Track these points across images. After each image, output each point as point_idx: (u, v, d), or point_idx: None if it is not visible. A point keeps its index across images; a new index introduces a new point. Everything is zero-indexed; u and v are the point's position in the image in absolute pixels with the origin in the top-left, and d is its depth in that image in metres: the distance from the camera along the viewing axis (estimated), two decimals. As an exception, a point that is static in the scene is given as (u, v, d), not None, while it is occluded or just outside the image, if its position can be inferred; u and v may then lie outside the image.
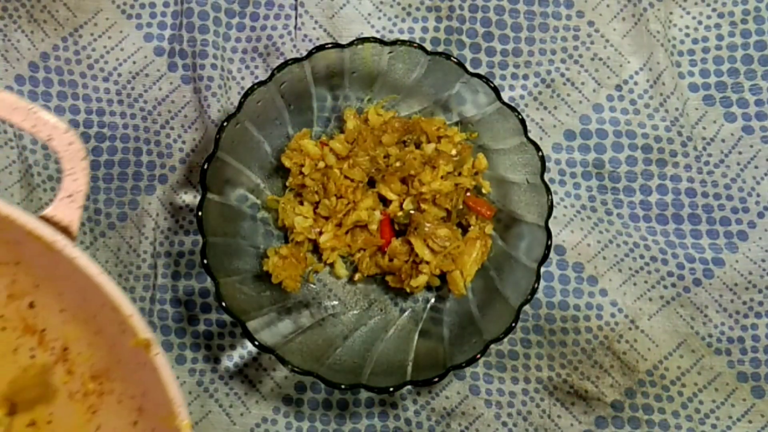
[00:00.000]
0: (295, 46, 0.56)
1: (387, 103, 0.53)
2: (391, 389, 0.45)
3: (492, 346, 0.47)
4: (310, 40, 0.56)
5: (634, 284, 0.54)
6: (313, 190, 0.51)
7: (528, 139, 0.47)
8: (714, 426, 0.53)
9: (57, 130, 0.36)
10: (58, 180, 0.55)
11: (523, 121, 0.47)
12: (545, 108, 0.56)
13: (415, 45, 0.48)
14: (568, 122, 0.56)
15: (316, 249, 0.53)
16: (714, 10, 0.57)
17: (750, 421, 0.53)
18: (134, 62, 0.56)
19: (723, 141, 0.55)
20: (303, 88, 0.50)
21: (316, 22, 0.56)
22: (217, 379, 0.54)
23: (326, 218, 0.51)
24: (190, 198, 0.55)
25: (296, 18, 0.56)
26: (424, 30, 0.56)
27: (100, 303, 0.36)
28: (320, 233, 0.51)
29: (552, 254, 0.54)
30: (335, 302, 0.53)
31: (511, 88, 0.56)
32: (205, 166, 0.46)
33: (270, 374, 0.54)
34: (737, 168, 0.55)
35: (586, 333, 0.53)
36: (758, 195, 0.55)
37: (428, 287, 0.53)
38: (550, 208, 0.47)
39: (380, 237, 0.51)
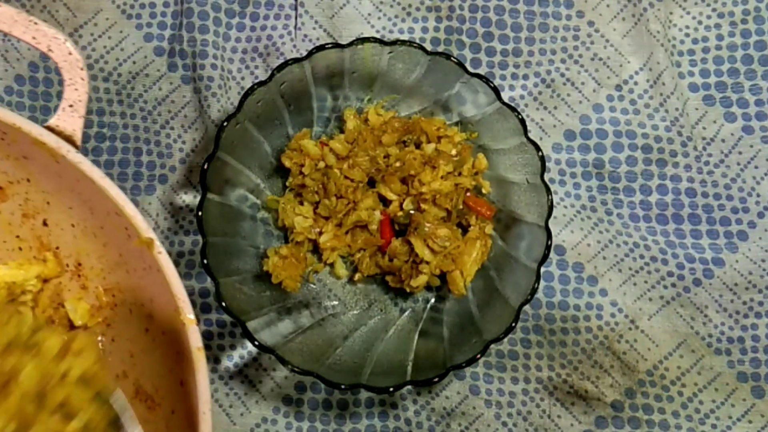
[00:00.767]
0: (295, 46, 0.56)
1: (387, 103, 0.53)
2: (391, 389, 0.45)
3: (492, 346, 0.47)
4: (310, 40, 0.56)
5: (634, 284, 0.54)
6: (313, 190, 0.51)
7: (528, 139, 0.47)
8: (714, 426, 0.53)
9: (56, 40, 0.37)
10: (58, 180, 0.55)
11: (523, 121, 0.47)
12: (545, 108, 0.56)
13: (415, 45, 0.48)
14: (568, 122, 0.56)
15: (316, 249, 0.53)
16: (714, 10, 0.57)
17: (750, 421, 0.53)
18: (134, 62, 0.56)
19: (723, 141, 0.55)
20: (303, 88, 0.50)
21: (316, 22, 0.56)
22: (217, 379, 0.53)
23: (326, 218, 0.51)
24: (190, 198, 0.55)
25: (296, 18, 0.56)
26: (424, 30, 0.56)
27: (105, 211, 0.36)
28: (320, 233, 0.51)
29: (552, 254, 0.54)
30: (335, 302, 0.53)
31: (511, 88, 0.56)
32: (205, 166, 0.46)
33: (270, 374, 0.54)
34: (737, 168, 0.55)
35: (586, 333, 0.53)
36: (758, 195, 0.55)
37: (428, 287, 0.53)
38: (550, 208, 0.47)
39: (380, 237, 0.51)
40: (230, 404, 0.53)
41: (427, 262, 0.49)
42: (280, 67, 0.47)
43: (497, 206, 0.52)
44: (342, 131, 0.53)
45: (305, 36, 0.56)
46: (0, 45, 0.56)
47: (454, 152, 0.51)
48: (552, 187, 0.51)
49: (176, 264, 0.54)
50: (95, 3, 0.56)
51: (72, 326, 0.43)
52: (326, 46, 0.47)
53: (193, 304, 0.53)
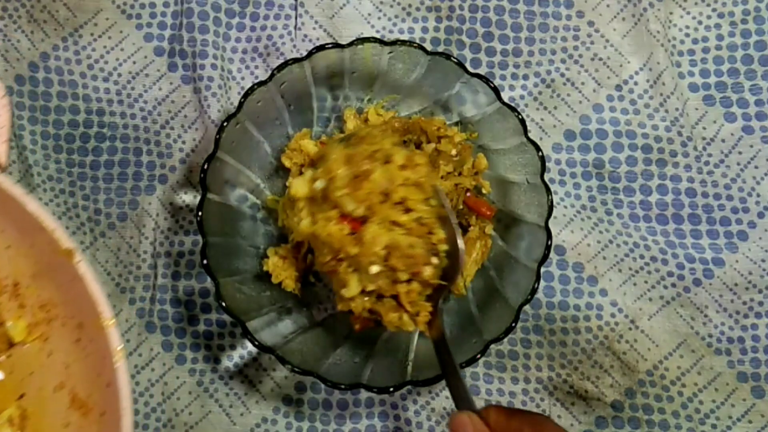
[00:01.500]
0: (295, 46, 0.56)
1: (387, 103, 0.53)
2: (391, 389, 0.45)
3: (492, 346, 0.47)
4: (310, 40, 0.56)
5: (634, 284, 0.54)
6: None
7: (528, 139, 0.47)
8: (714, 426, 0.53)
9: None
10: (58, 180, 0.55)
11: (523, 121, 0.47)
12: (545, 108, 0.56)
13: (415, 45, 0.48)
14: (568, 122, 0.56)
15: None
16: (714, 10, 0.57)
17: (750, 421, 0.53)
18: (134, 62, 0.56)
19: (723, 141, 0.55)
20: (303, 88, 0.50)
21: (316, 22, 0.56)
22: (217, 379, 0.54)
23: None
24: (190, 198, 0.55)
25: (296, 18, 0.56)
26: (424, 30, 0.56)
27: (31, 228, 0.39)
28: None
29: (552, 254, 0.54)
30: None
31: (511, 88, 0.56)
32: (205, 166, 0.46)
33: (270, 374, 0.54)
34: (737, 168, 0.55)
35: (586, 333, 0.53)
36: (758, 195, 0.55)
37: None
38: (550, 208, 0.47)
39: None
40: (230, 404, 0.53)
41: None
42: (280, 67, 0.47)
43: (497, 206, 0.52)
44: (342, 131, 0.53)
45: (305, 36, 0.56)
46: (0, 45, 0.56)
47: (454, 152, 0.51)
48: (552, 187, 0.51)
49: (176, 264, 0.54)
50: (95, 3, 0.56)
51: (11, 344, 0.44)
52: (326, 46, 0.47)
53: (193, 304, 0.54)
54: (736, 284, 0.54)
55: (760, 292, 0.54)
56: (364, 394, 0.53)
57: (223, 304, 0.45)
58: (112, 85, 0.56)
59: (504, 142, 0.50)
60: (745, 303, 0.54)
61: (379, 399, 0.53)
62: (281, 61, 0.53)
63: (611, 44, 0.56)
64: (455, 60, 0.47)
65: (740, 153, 0.55)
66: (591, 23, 0.56)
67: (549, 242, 0.47)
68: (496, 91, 0.48)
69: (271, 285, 0.50)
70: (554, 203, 0.48)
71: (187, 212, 0.55)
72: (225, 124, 0.47)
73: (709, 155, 0.55)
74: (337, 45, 0.47)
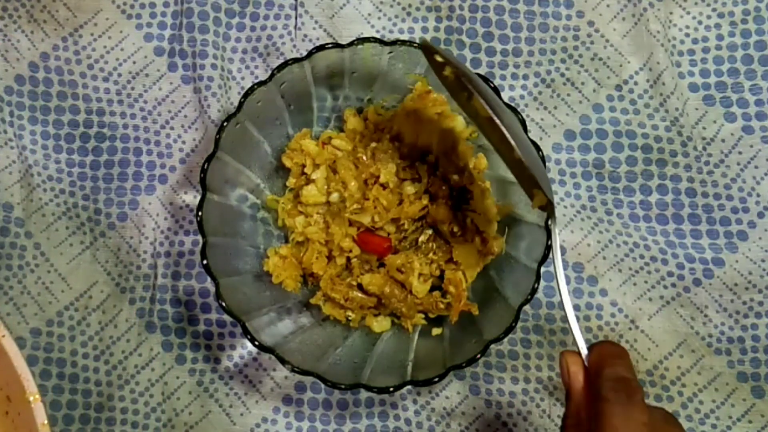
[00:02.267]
0: (295, 46, 0.56)
1: (387, 103, 0.53)
2: (391, 389, 0.45)
3: (492, 346, 0.47)
4: (310, 40, 0.56)
5: (634, 284, 0.54)
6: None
7: (528, 139, 0.47)
8: (714, 426, 0.53)
9: None
10: (58, 180, 0.55)
11: (523, 121, 0.47)
12: (545, 108, 0.56)
13: (415, 45, 0.48)
14: (568, 122, 0.56)
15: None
16: (714, 10, 0.57)
17: (750, 421, 0.53)
18: (134, 62, 0.56)
19: (723, 141, 0.55)
20: (303, 88, 0.50)
21: (316, 22, 0.56)
22: (217, 379, 0.54)
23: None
24: (190, 198, 0.55)
25: (296, 18, 0.56)
26: (424, 30, 0.56)
27: None
28: None
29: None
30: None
31: (511, 88, 0.56)
32: (205, 166, 0.46)
33: (270, 374, 0.54)
34: (737, 168, 0.55)
35: (586, 333, 0.53)
36: (758, 195, 0.55)
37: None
38: (550, 208, 0.47)
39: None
40: (230, 404, 0.53)
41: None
42: (280, 67, 0.47)
43: (498, 206, 0.52)
44: (342, 131, 0.53)
45: (305, 36, 0.56)
46: (0, 45, 0.56)
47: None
48: (552, 187, 0.51)
49: (176, 264, 0.54)
50: (95, 3, 0.56)
51: None
52: (326, 46, 0.47)
53: (193, 304, 0.54)
54: (736, 284, 0.54)
55: (760, 292, 0.54)
56: (364, 394, 0.53)
57: (223, 304, 0.45)
58: (112, 85, 0.56)
59: (504, 142, 0.50)
60: (745, 303, 0.54)
61: (379, 399, 0.53)
62: (281, 61, 0.53)
63: (611, 44, 0.56)
64: (455, 60, 0.47)
65: (740, 153, 0.55)
66: (591, 23, 0.56)
67: (549, 242, 0.47)
68: (496, 91, 0.48)
69: (271, 285, 0.50)
70: (554, 203, 0.48)
71: (187, 212, 0.55)
72: (225, 124, 0.47)
73: (709, 155, 0.55)
74: (337, 45, 0.47)
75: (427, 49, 0.42)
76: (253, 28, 0.56)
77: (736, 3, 0.56)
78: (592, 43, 0.56)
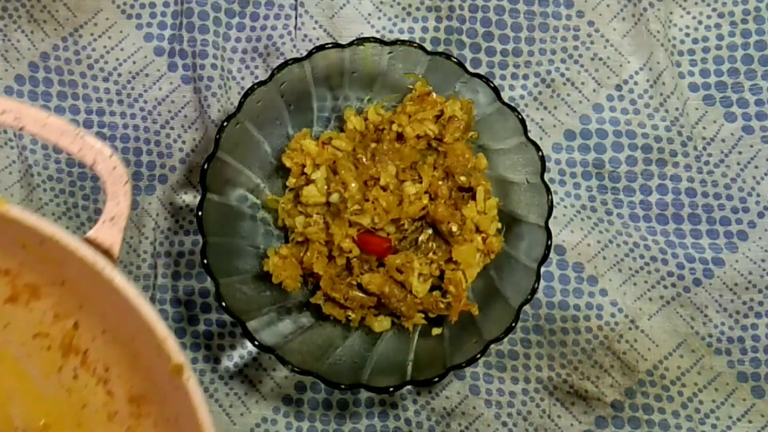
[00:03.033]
0: (295, 46, 0.56)
1: (387, 103, 0.53)
2: (391, 389, 0.45)
3: (492, 346, 0.47)
4: (310, 40, 0.56)
5: (634, 284, 0.54)
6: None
7: (528, 139, 0.47)
8: (714, 426, 0.53)
9: (102, 155, 0.38)
10: (58, 180, 0.55)
11: (523, 121, 0.47)
12: (545, 108, 0.56)
13: (415, 45, 0.48)
14: (568, 122, 0.56)
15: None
16: (714, 9, 0.57)
17: (750, 421, 0.53)
18: (134, 62, 0.56)
19: (723, 141, 0.55)
20: (303, 88, 0.50)
21: (316, 22, 0.56)
22: (217, 379, 0.54)
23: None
24: (190, 198, 0.55)
25: (296, 18, 0.56)
26: (424, 30, 0.56)
27: (137, 326, 0.36)
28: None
29: (552, 254, 0.54)
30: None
31: (511, 88, 0.56)
32: (205, 166, 0.46)
33: (270, 374, 0.54)
34: (737, 168, 0.55)
35: (586, 333, 0.53)
36: (758, 195, 0.55)
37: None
38: (550, 208, 0.47)
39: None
40: (230, 404, 0.53)
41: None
42: (280, 67, 0.47)
43: (498, 206, 0.52)
44: (342, 131, 0.53)
45: (305, 36, 0.56)
46: (0, 45, 0.56)
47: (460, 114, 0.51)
48: (552, 187, 0.51)
49: (176, 264, 0.54)
50: (95, 3, 0.56)
51: None
52: (326, 46, 0.47)
53: (193, 304, 0.54)
54: (736, 284, 0.54)
55: (760, 292, 0.54)
56: (364, 394, 0.53)
57: (223, 304, 0.45)
58: (112, 85, 0.56)
59: (504, 142, 0.50)
60: (745, 303, 0.54)
61: (379, 399, 0.53)
62: (281, 61, 0.53)
63: (611, 44, 0.56)
64: (455, 60, 0.47)
65: (740, 153, 0.55)
66: (591, 23, 0.56)
67: (549, 242, 0.47)
68: (496, 91, 0.48)
69: (271, 285, 0.50)
70: (554, 203, 0.48)
71: (187, 212, 0.55)
72: (225, 124, 0.47)
73: (709, 155, 0.55)
74: (337, 45, 0.47)
75: None
76: (253, 28, 0.56)
77: (736, 3, 0.56)
78: (592, 43, 0.56)
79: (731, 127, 0.56)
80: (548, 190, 0.47)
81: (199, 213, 0.46)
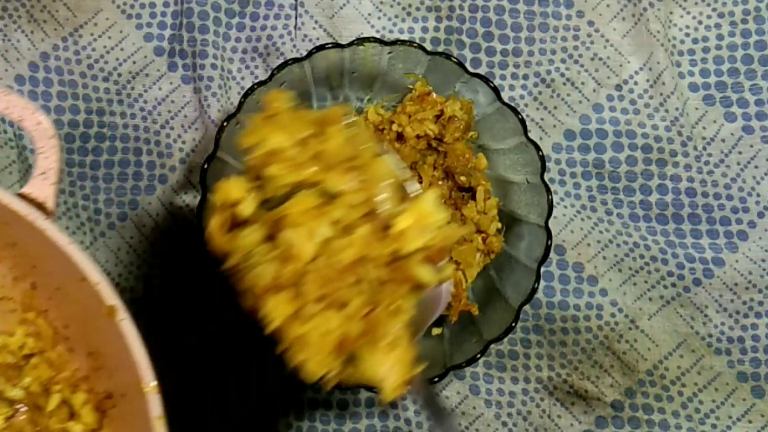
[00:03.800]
0: (295, 46, 0.56)
1: (387, 103, 0.53)
2: (391, 389, 0.45)
3: (492, 346, 0.47)
4: (310, 40, 0.56)
5: (634, 284, 0.54)
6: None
7: (528, 139, 0.47)
8: (714, 426, 0.53)
9: (26, 110, 0.39)
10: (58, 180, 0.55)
11: (523, 121, 0.47)
12: (545, 108, 0.56)
13: (415, 45, 0.48)
14: (568, 122, 0.56)
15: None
16: (714, 9, 0.57)
17: (750, 421, 0.53)
18: (134, 62, 0.56)
19: (723, 141, 0.55)
20: (303, 88, 0.50)
21: (316, 22, 0.56)
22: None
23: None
24: (190, 198, 0.55)
25: (296, 18, 0.56)
26: (424, 30, 0.56)
27: (75, 274, 0.38)
28: None
29: (552, 254, 0.54)
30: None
31: (511, 88, 0.56)
32: (205, 166, 0.46)
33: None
34: (737, 168, 0.55)
35: (586, 333, 0.53)
36: (758, 195, 0.55)
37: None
38: (550, 208, 0.47)
39: None
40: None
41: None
42: (280, 67, 0.47)
43: (498, 206, 0.52)
44: (342, 131, 0.53)
45: (305, 36, 0.56)
46: (0, 45, 0.56)
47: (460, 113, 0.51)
48: (552, 187, 0.51)
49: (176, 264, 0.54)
50: (95, 3, 0.56)
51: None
52: (326, 46, 0.47)
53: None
54: (736, 284, 0.54)
55: (760, 292, 0.54)
56: (364, 394, 0.53)
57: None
58: (112, 85, 0.56)
59: (504, 142, 0.50)
60: (745, 303, 0.54)
61: (379, 399, 0.53)
62: (281, 61, 0.53)
63: (611, 44, 0.56)
64: (455, 60, 0.47)
65: (740, 153, 0.55)
66: (591, 23, 0.56)
67: (549, 242, 0.47)
68: (496, 90, 0.48)
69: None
70: (554, 203, 0.48)
71: (187, 212, 0.55)
72: (225, 124, 0.47)
73: (709, 155, 0.55)
74: (337, 45, 0.47)
75: None
76: (253, 28, 0.56)
77: (736, 3, 0.56)
78: (592, 43, 0.56)
79: (731, 127, 0.56)
80: (548, 190, 0.47)
81: (199, 213, 0.46)
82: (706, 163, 0.55)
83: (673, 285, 0.54)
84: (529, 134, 0.48)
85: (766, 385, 0.53)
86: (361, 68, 0.50)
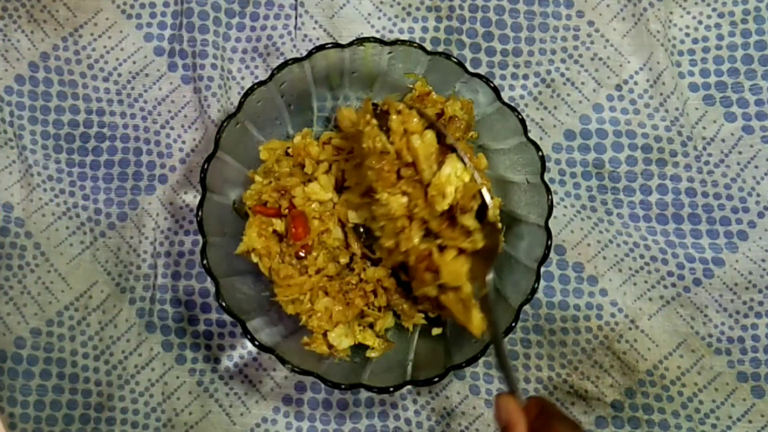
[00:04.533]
0: (295, 46, 0.56)
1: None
2: (391, 389, 0.45)
3: (492, 346, 0.47)
4: (310, 40, 0.56)
5: (634, 284, 0.54)
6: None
7: (528, 138, 0.47)
8: (714, 426, 0.53)
9: None
10: (58, 180, 0.55)
11: (523, 121, 0.47)
12: (545, 108, 0.56)
13: (415, 45, 0.48)
14: (568, 122, 0.56)
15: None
16: (714, 9, 0.57)
17: (750, 421, 0.53)
18: (134, 62, 0.56)
19: (723, 141, 0.55)
20: (303, 88, 0.50)
21: (316, 22, 0.56)
22: (217, 379, 0.54)
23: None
24: (190, 198, 0.55)
25: (296, 18, 0.56)
26: (424, 30, 0.56)
27: None
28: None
29: (552, 254, 0.54)
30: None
31: (511, 88, 0.56)
32: (205, 166, 0.46)
33: (270, 374, 0.54)
34: (737, 168, 0.55)
35: (586, 333, 0.53)
36: (758, 195, 0.55)
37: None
38: (550, 208, 0.47)
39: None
40: (230, 404, 0.53)
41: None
42: (280, 67, 0.47)
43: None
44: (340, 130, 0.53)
45: (305, 36, 0.56)
46: (0, 45, 0.56)
47: (461, 113, 0.51)
48: (552, 187, 0.51)
49: (176, 264, 0.54)
50: (95, 3, 0.56)
51: None
52: (326, 46, 0.47)
53: (193, 304, 0.54)
54: (736, 284, 0.54)
55: (760, 291, 0.54)
56: (364, 394, 0.53)
57: (223, 304, 0.45)
58: (112, 85, 0.56)
59: (504, 142, 0.50)
60: (745, 303, 0.54)
61: (379, 399, 0.53)
62: (281, 61, 0.53)
63: (611, 44, 0.56)
64: (455, 60, 0.47)
65: (740, 153, 0.55)
66: (591, 23, 0.56)
67: (549, 242, 0.47)
68: (496, 90, 0.48)
69: (271, 285, 0.50)
70: (554, 203, 0.48)
71: (187, 212, 0.55)
72: (225, 124, 0.47)
73: (709, 155, 0.55)
74: (337, 45, 0.47)
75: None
76: (253, 28, 0.56)
77: (736, 3, 0.56)
78: (592, 43, 0.56)
79: (731, 127, 0.56)
80: (548, 190, 0.47)
81: (199, 213, 0.46)
82: (706, 163, 0.55)
83: (673, 285, 0.54)
84: (529, 134, 0.48)
85: (766, 385, 0.53)
86: (361, 68, 0.50)
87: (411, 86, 0.51)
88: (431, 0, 0.56)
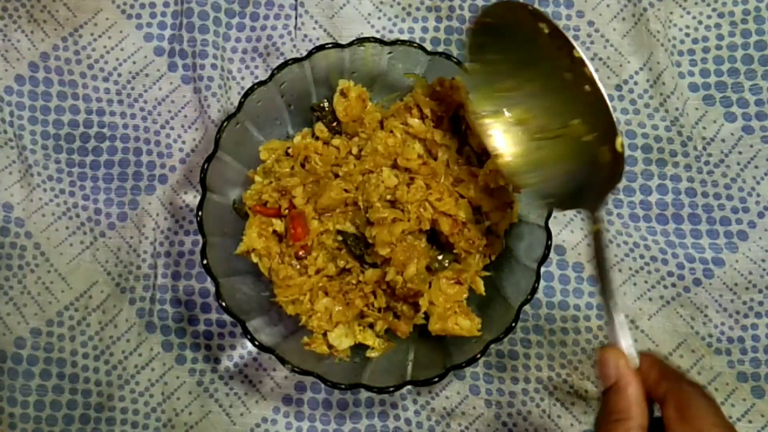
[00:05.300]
0: (295, 46, 0.56)
1: (387, 103, 0.53)
2: (391, 389, 0.45)
3: (492, 346, 0.47)
4: (310, 40, 0.56)
5: (634, 284, 0.54)
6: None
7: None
8: (714, 426, 0.53)
9: None
10: (58, 180, 0.55)
11: (523, 121, 0.47)
12: (545, 108, 0.56)
13: (415, 45, 0.48)
14: (568, 122, 0.56)
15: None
16: (714, 10, 0.57)
17: (750, 421, 0.53)
18: (134, 62, 0.56)
19: (723, 141, 0.55)
20: (303, 88, 0.50)
21: (316, 22, 0.56)
22: (217, 379, 0.54)
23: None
24: (190, 198, 0.55)
25: (296, 18, 0.56)
26: (424, 30, 0.56)
27: None
28: None
29: (552, 254, 0.54)
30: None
31: (511, 88, 0.56)
32: (205, 166, 0.46)
33: (270, 374, 0.54)
34: (737, 168, 0.55)
35: (586, 333, 0.53)
36: (758, 195, 0.55)
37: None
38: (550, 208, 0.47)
39: None
40: (230, 404, 0.53)
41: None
42: (280, 67, 0.47)
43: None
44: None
45: (305, 36, 0.56)
46: (0, 45, 0.56)
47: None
48: (552, 187, 0.51)
49: (176, 264, 0.54)
50: (95, 3, 0.56)
51: None
52: (326, 46, 0.47)
53: (193, 304, 0.54)
54: (736, 284, 0.54)
55: (760, 292, 0.54)
56: (364, 394, 0.53)
57: (223, 304, 0.45)
58: (112, 85, 0.56)
59: (504, 142, 0.50)
60: (745, 303, 0.54)
61: (379, 399, 0.53)
62: (281, 61, 0.53)
63: (611, 44, 0.56)
64: (455, 60, 0.47)
65: (740, 153, 0.55)
66: (591, 23, 0.56)
67: (549, 242, 0.47)
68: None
69: (271, 285, 0.50)
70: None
71: (187, 212, 0.55)
72: (225, 124, 0.47)
73: (709, 155, 0.55)
74: (337, 45, 0.47)
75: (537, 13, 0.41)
76: (253, 28, 0.56)
77: (736, 3, 0.56)
78: (592, 43, 0.56)
79: (731, 127, 0.56)
80: (548, 190, 0.47)
81: (199, 213, 0.46)
82: (706, 163, 0.55)
83: (673, 285, 0.54)
84: (529, 134, 0.48)
85: (766, 385, 0.53)
86: (361, 68, 0.50)
87: (411, 86, 0.51)
88: (431, 0, 0.56)
